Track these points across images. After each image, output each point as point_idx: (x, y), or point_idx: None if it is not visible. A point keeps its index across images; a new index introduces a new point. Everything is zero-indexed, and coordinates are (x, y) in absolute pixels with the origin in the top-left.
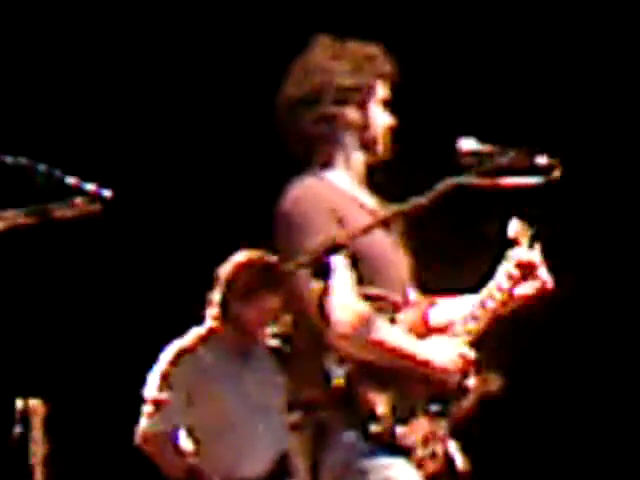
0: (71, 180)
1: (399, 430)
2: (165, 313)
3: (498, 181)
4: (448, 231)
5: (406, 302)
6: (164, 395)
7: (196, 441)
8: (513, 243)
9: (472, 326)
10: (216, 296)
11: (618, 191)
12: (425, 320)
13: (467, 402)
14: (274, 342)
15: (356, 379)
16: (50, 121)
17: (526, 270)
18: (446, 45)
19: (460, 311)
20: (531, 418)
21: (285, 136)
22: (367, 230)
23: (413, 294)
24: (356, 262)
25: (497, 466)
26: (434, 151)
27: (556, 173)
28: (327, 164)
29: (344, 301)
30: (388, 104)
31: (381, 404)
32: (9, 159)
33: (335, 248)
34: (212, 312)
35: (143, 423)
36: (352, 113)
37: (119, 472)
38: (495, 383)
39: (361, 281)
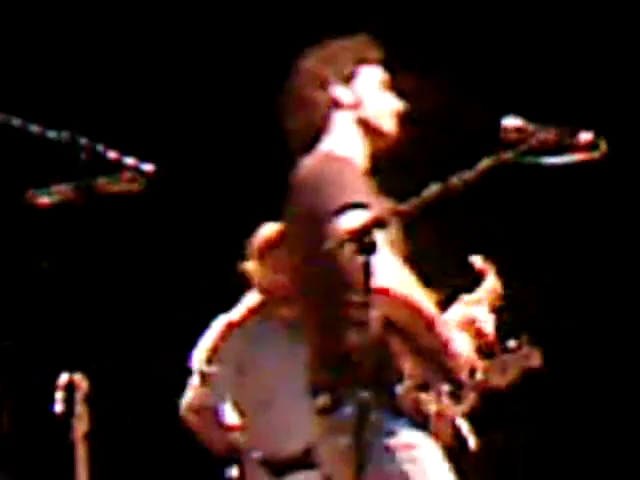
0: (112, 154)
1: (422, 396)
2: (208, 287)
3: (541, 159)
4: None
5: None
6: (213, 369)
7: (242, 415)
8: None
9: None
10: (249, 266)
11: None
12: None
13: (508, 376)
14: None
15: (391, 341)
16: (95, 97)
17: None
18: (491, 25)
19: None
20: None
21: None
22: (415, 208)
23: None
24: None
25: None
26: (478, 129)
27: (601, 151)
28: None
29: (391, 272)
30: (393, 88)
31: (407, 369)
32: (52, 134)
33: (378, 224)
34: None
35: (189, 395)
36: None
37: (161, 448)
38: (537, 358)
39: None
